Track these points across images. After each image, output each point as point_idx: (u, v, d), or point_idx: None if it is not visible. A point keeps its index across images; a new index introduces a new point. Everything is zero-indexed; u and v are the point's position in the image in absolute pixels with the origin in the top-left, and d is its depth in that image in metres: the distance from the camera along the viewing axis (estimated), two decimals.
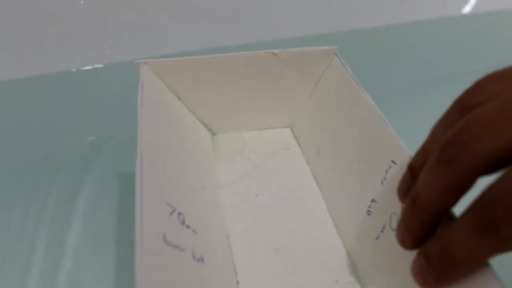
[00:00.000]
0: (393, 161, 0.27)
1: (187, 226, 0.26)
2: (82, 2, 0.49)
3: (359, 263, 0.28)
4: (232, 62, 0.35)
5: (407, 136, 0.28)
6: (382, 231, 0.27)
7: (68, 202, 0.34)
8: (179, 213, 0.26)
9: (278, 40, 0.53)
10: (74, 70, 0.48)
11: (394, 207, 0.26)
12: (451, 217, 0.22)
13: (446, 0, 0.64)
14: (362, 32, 0.58)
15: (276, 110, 0.39)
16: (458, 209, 0.20)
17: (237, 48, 0.50)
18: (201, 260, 0.25)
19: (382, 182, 0.28)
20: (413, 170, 0.23)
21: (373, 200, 0.28)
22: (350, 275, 0.28)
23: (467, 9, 0.65)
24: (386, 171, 0.28)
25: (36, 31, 0.49)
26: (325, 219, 0.31)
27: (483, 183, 0.19)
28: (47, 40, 0.49)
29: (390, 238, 0.26)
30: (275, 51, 0.35)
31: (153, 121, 0.29)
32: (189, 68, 0.35)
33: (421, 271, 0.21)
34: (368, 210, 0.28)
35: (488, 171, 0.19)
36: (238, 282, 0.27)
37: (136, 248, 0.21)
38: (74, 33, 0.50)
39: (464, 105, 0.21)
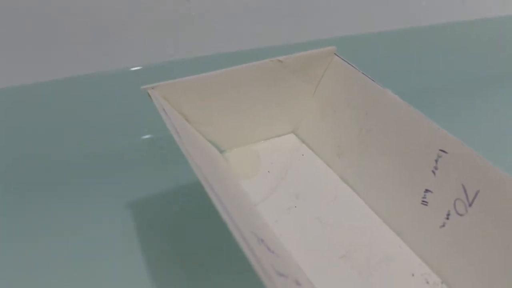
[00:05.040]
0: (442, 150, 0.28)
1: (272, 252, 0.25)
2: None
3: (427, 253, 0.29)
4: (235, 75, 0.34)
5: None
6: (447, 218, 0.28)
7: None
8: (262, 240, 0.24)
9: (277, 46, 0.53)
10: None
11: (457, 193, 0.27)
12: None
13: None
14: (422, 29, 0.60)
15: (279, 117, 0.38)
16: None
17: (232, 55, 0.49)
18: (299, 283, 0.24)
19: (434, 172, 0.29)
20: None
21: (427, 191, 0.29)
22: (423, 266, 0.28)
23: None
24: (436, 161, 0.28)
25: (88, 31, 0.46)
26: (372, 217, 0.32)
27: None
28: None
29: (459, 223, 0.27)
30: (281, 58, 0.35)
31: (189, 148, 0.27)
32: (193, 87, 0.33)
33: None
34: (423, 201, 0.29)
35: None
36: None
37: None
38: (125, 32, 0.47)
39: None
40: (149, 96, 0.31)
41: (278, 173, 0.35)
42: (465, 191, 0.27)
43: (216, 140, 0.36)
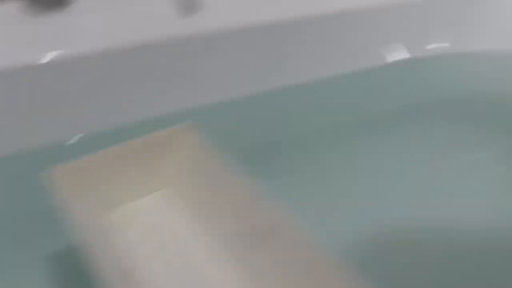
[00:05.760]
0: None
1: None
2: None
3: None
4: (111, 155, 0.44)
5: None
6: None
7: None
8: None
9: None
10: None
11: None
12: None
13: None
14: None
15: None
16: None
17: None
18: None
19: None
20: None
21: None
22: None
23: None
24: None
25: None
26: None
27: None
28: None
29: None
30: (144, 137, 0.45)
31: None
32: (85, 167, 0.42)
33: None
34: None
35: None
36: None
37: None
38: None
39: None
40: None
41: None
42: None
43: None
